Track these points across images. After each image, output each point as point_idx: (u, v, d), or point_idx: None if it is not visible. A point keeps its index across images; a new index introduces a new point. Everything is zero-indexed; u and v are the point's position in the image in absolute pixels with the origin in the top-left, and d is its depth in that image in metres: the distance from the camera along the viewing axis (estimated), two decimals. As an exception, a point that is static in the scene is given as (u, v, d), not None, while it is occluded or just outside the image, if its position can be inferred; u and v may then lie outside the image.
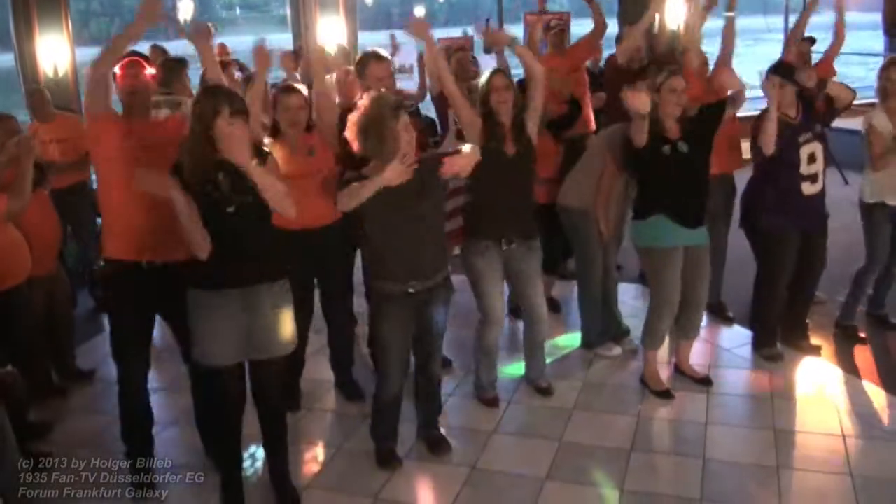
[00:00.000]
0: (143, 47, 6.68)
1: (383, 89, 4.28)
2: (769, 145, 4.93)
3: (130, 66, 4.00)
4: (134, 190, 3.69)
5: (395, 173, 3.76)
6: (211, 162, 3.54)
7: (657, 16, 9.78)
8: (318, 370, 5.26)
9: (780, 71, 5.10)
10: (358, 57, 5.18)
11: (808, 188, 5.12)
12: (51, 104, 6.68)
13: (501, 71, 4.76)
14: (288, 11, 10.16)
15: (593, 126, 6.84)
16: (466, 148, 4.03)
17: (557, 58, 7.02)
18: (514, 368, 5.29)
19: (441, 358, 4.52)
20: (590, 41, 7.05)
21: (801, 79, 5.13)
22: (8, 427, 3.55)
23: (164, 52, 7.63)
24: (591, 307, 5.61)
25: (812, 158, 5.09)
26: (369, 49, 5.17)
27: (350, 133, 3.95)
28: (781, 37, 13.00)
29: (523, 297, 4.93)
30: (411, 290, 4.06)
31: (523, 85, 4.86)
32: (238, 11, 57.61)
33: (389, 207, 3.92)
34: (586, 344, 5.68)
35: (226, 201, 3.55)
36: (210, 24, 4.35)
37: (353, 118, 3.94)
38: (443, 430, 4.56)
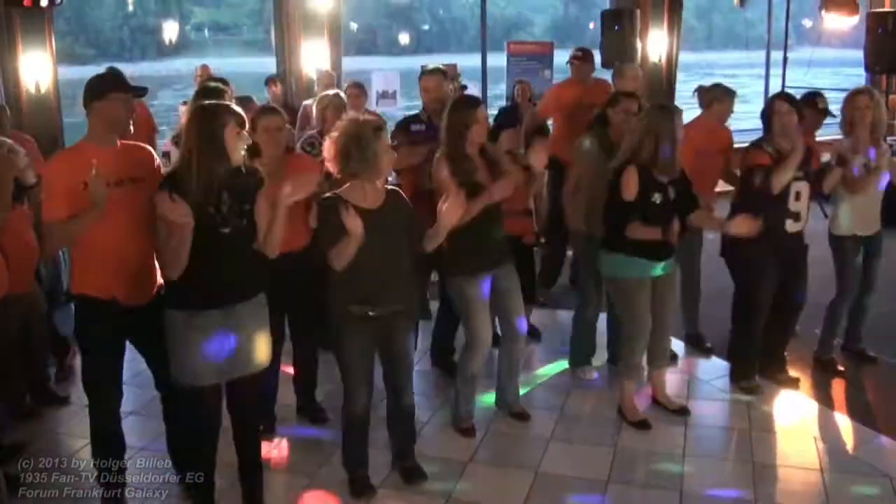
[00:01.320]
0: (124, 68, 6.65)
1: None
2: (778, 186, 4.96)
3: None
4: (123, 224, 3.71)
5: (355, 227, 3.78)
6: (218, 180, 3.53)
7: (639, 48, 9.94)
8: (293, 396, 5.21)
9: (787, 97, 5.15)
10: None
11: (791, 226, 5.15)
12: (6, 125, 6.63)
13: (481, 102, 4.73)
14: (272, 35, 10.16)
15: None
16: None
17: (575, 87, 7.06)
18: (490, 397, 5.24)
19: (412, 386, 4.46)
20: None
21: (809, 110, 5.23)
22: None
23: (118, 73, 7.57)
24: (584, 330, 5.61)
25: (798, 196, 5.12)
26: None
27: (329, 154, 3.97)
28: (762, 71, 13.20)
29: (504, 313, 4.90)
30: (372, 314, 4.05)
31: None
32: (207, 34, 57.71)
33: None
34: (571, 364, 5.69)
35: (224, 222, 3.54)
36: None
37: (332, 139, 3.95)
38: (418, 459, 4.50)
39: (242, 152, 3.62)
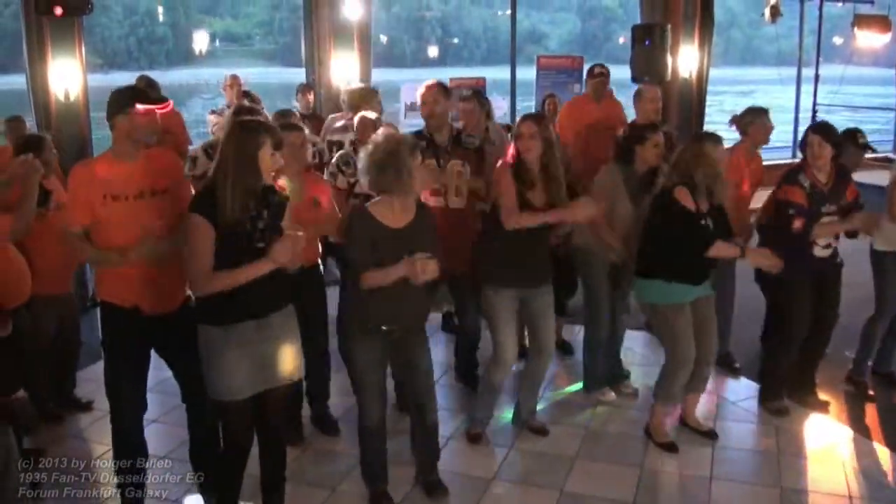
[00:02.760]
0: (130, 78, 6.64)
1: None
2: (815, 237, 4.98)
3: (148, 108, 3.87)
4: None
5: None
6: (255, 198, 3.53)
7: (670, 63, 9.87)
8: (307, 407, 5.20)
9: (820, 130, 5.04)
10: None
11: (819, 251, 5.09)
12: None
13: (532, 118, 4.68)
14: (302, 46, 10.16)
15: None
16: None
17: (593, 104, 7.04)
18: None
19: (435, 405, 4.40)
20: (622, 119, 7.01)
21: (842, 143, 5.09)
22: (14, 450, 3.48)
23: (150, 81, 7.59)
24: (595, 350, 5.55)
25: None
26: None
27: (362, 167, 3.95)
28: (793, 87, 13.10)
29: (534, 331, 4.87)
30: (385, 328, 4.06)
31: None
32: (218, 44, 57.96)
33: (382, 249, 3.93)
34: (586, 387, 5.62)
35: (260, 237, 3.54)
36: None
37: (368, 153, 3.93)
38: (440, 475, 4.45)
39: (273, 172, 3.61)
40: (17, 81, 8.79)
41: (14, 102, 9.25)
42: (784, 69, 13.57)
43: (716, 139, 4.67)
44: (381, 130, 4.05)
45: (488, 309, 4.73)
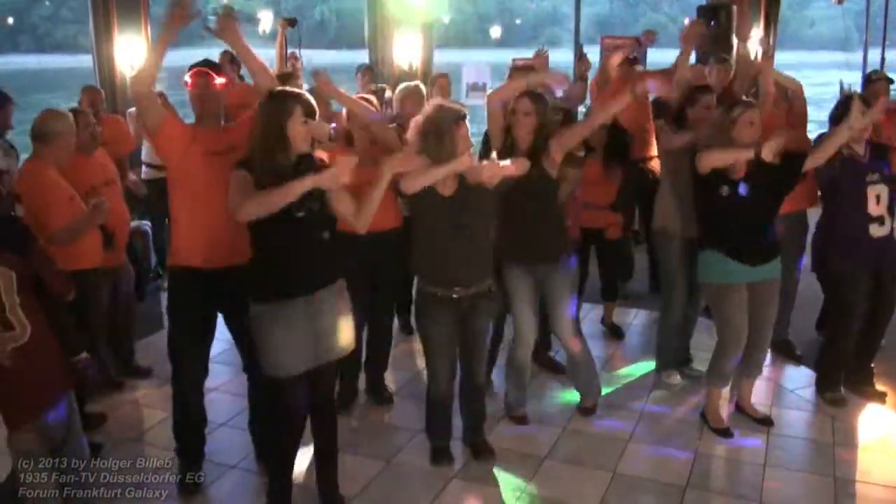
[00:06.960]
0: (213, 53, 6.71)
1: None
2: (824, 155, 4.68)
3: (200, 75, 3.98)
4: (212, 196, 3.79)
5: (463, 164, 3.95)
6: (280, 168, 3.54)
7: (735, 44, 9.68)
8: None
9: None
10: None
11: (875, 230, 4.98)
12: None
13: (530, 95, 4.58)
14: (365, 26, 10.19)
15: (654, 151, 6.68)
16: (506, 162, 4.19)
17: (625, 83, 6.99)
18: (571, 394, 5.20)
19: (484, 366, 4.56)
20: (664, 80, 6.93)
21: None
22: (76, 414, 3.57)
23: (233, 57, 7.68)
24: (667, 332, 5.53)
25: (878, 200, 4.97)
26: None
27: (411, 134, 4.09)
28: (860, 73, 12.82)
29: (551, 320, 4.88)
30: (455, 297, 4.14)
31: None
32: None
33: (435, 215, 4.05)
34: (657, 368, 5.62)
35: (296, 206, 3.53)
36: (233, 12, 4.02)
37: (417, 121, 4.07)
38: (494, 452, 4.53)
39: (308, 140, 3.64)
40: (86, 59, 8.92)
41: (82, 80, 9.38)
42: (826, 53, 13.30)
43: (746, 104, 4.57)
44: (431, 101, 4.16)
45: (506, 287, 4.73)
